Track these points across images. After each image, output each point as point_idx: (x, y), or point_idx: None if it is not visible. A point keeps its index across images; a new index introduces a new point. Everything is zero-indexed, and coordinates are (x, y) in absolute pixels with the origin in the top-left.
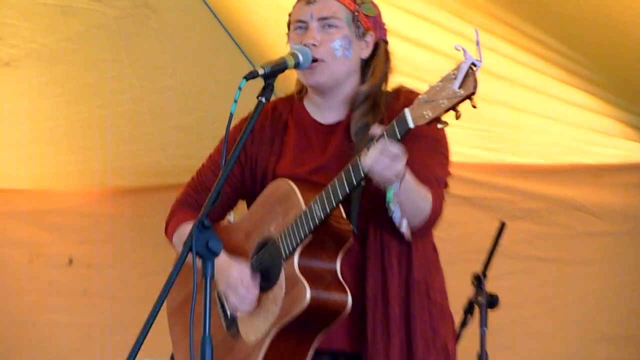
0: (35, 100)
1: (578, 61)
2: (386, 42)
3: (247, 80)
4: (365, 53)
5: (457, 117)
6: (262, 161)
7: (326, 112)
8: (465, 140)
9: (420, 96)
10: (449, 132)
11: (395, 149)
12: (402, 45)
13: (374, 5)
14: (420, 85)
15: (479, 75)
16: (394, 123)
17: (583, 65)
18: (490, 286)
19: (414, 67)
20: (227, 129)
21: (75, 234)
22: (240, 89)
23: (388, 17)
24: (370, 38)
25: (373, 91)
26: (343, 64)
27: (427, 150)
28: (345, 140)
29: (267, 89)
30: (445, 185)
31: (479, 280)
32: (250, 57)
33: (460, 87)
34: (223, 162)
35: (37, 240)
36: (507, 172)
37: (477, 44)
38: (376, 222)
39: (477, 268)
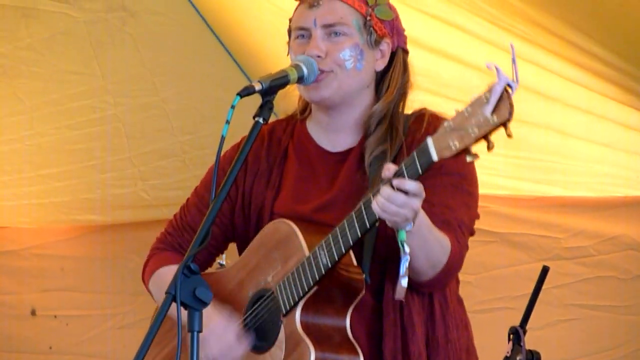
0: None
1: (635, 77)
2: (406, 52)
3: (241, 97)
4: (381, 64)
5: (489, 149)
6: (258, 197)
7: (333, 135)
8: (502, 170)
9: (445, 123)
10: (480, 160)
11: (413, 186)
12: (426, 57)
13: (391, 8)
14: (447, 105)
15: (518, 93)
16: (414, 155)
17: None
18: (530, 340)
19: (440, 84)
20: (217, 156)
21: (38, 280)
22: (233, 107)
23: (409, 24)
24: (385, 46)
25: (390, 111)
26: (354, 78)
27: (450, 189)
28: (357, 170)
29: (265, 108)
30: (471, 233)
31: (517, 336)
32: (246, 70)
33: (493, 112)
34: (212, 196)
35: None
36: (550, 206)
37: (513, 61)
38: (394, 271)
39: (514, 318)
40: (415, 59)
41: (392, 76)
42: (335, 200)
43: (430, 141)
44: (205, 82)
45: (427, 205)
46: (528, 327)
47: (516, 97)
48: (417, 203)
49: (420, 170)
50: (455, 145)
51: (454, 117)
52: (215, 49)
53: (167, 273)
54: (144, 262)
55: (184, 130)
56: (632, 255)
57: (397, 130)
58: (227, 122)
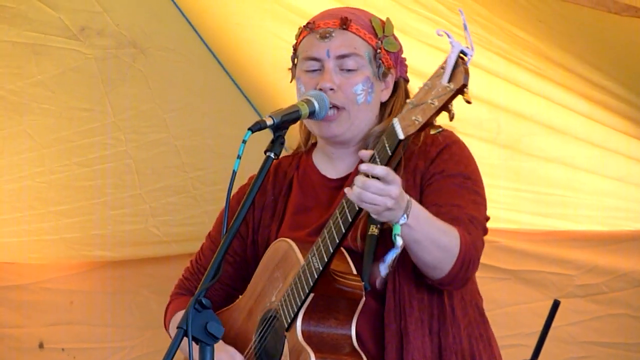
0: (0, 157)
1: None
2: (407, 80)
3: (253, 132)
4: (386, 95)
5: (451, 118)
6: (264, 230)
7: (338, 162)
8: (512, 204)
9: (408, 101)
10: (492, 194)
11: (381, 171)
12: None
13: (396, 39)
14: (462, 138)
15: (528, 125)
16: (383, 138)
17: None
18: None
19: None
20: (229, 190)
21: (46, 314)
22: (244, 142)
23: (419, 58)
24: (390, 78)
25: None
26: (365, 112)
27: (455, 188)
28: None
29: (277, 143)
30: (484, 230)
31: None
32: (256, 105)
33: (449, 81)
34: (224, 232)
35: (2, 321)
36: (561, 241)
37: (465, 27)
38: (394, 275)
39: (527, 355)
40: None
41: (394, 103)
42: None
43: (395, 121)
44: (216, 118)
45: (435, 208)
46: None
47: (526, 131)
48: (393, 190)
49: (389, 152)
50: (418, 119)
51: (416, 94)
52: (226, 85)
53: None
54: (165, 309)
55: (194, 167)
56: None
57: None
58: (239, 157)
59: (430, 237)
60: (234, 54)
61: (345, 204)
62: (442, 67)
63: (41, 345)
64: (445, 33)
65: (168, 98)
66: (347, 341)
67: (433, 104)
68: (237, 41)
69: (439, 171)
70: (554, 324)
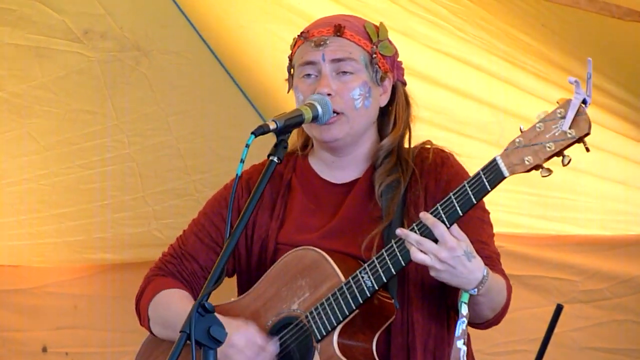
0: (3, 160)
1: None
2: (404, 84)
3: (256, 137)
4: (384, 100)
5: (565, 164)
6: (261, 228)
7: (337, 171)
8: (515, 207)
9: (516, 139)
10: (493, 197)
11: (455, 243)
12: (442, 94)
13: (391, 43)
14: (461, 142)
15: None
16: (481, 174)
17: None
18: None
19: (455, 121)
20: (232, 195)
21: (50, 318)
22: (247, 146)
23: (425, 63)
24: (387, 82)
25: (396, 144)
26: (363, 116)
27: (478, 223)
28: (364, 201)
29: (280, 147)
30: None
31: None
32: (260, 109)
33: (570, 127)
34: (226, 236)
35: (5, 325)
36: (565, 246)
37: (589, 76)
38: (404, 289)
39: None
40: (431, 97)
41: (396, 110)
42: (340, 227)
43: (499, 159)
44: (219, 121)
45: None
46: None
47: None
48: (472, 261)
49: (488, 187)
50: (529, 160)
51: (524, 134)
52: (229, 88)
53: (174, 296)
54: (141, 287)
55: (197, 170)
56: None
57: (407, 162)
58: (242, 161)
59: (492, 301)
60: (237, 56)
61: (417, 229)
62: (560, 113)
63: (44, 350)
64: (576, 81)
65: (171, 101)
66: (368, 355)
67: (550, 147)
68: (240, 44)
69: None
70: (556, 330)
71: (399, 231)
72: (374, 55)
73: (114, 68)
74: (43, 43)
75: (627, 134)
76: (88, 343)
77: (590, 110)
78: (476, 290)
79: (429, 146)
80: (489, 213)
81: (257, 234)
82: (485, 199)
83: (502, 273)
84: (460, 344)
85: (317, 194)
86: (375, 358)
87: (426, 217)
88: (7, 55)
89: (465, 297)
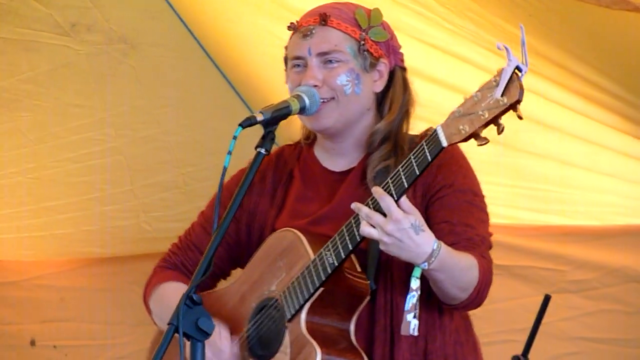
0: None
1: (637, 105)
2: (404, 69)
3: (243, 128)
4: (380, 85)
5: (500, 132)
6: (261, 215)
7: (338, 157)
8: (505, 200)
9: (455, 109)
10: (484, 189)
11: (401, 215)
12: (428, 87)
13: (385, 28)
14: None
15: (519, 122)
16: (424, 144)
17: None
18: None
19: (442, 114)
20: (219, 186)
21: (38, 311)
22: (235, 138)
23: (411, 54)
24: (383, 67)
25: (393, 129)
26: (354, 103)
27: (466, 206)
28: (358, 187)
29: (267, 139)
30: (490, 247)
31: None
32: (248, 101)
33: (502, 94)
34: (215, 225)
35: None
36: (553, 236)
37: (523, 43)
38: (387, 273)
39: (517, 350)
40: (417, 89)
41: (392, 95)
42: (332, 214)
43: (439, 128)
44: (207, 113)
45: (448, 226)
46: (532, 359)
47: (519, 127)
48: (420, 234)
49: (429, 157)
50: (465, 129)
51: (463, 103)
52: (217, 81)
53: (168, 290)
54: (147, 280)
55: (185, 162)
56: (636, 288)
57: (402, 149)
58: (229, 152)
59: (453, 278)
60: (225, 49)
61: (371, 203)
62: (495, 80)
63: (33, 343)
64: (505, 47)
65: (159, 94)
66: (346, 336)
67: (483, 115)
68: (229, 37)
69: (449, 184)
70: (545, 320)
71: (353, 205)
72: (363, 42)
73: (102, 61)
74: (31, 37)
75: (615, 127)
76: (76, 336)
77: (577, 102)
78: (426, 264)
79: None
80: (482, 197)
81: (258, 222)
82: None
83: (479, 255)
84: (410, 317)
85: (316, 181)
86: (352, 339)
87: (376, 190)
88: None
89: (416, 272)
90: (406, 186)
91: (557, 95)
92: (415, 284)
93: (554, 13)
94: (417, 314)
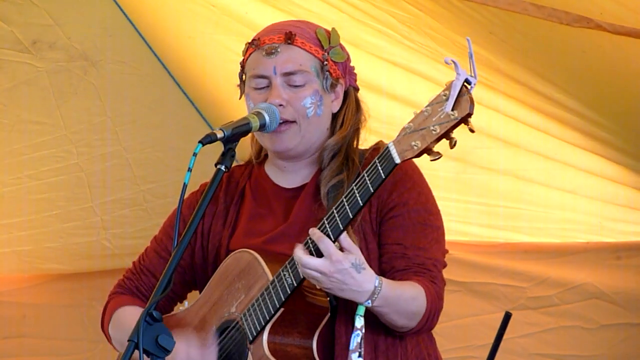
0: None
1: (597, 123)
2: (356, 89)
3: (203, 145)
4: (337, 106)
5: (452, 146)
6: (215, 237)
7: (290, 175)
8: (463, 216)
9: (406, 125)
10: (442, 206)
11: (341, 256)
12: (389, 104)
13: (343, 49)
14: None
15: (480, 139)
16: (376, 162)
17: (603, 128)
18: None
19: None
20: (179, 203)
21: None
22: (195, 155)
23: (372, 72)
24: (339, 88)
25: (344, 145)
26: (316, 124)
27: (419, 227)
28: (312, 204)
29: (227, 155)
30: (444, 266)
31: None
32: (208, 119)
33: (453, 108)
34: (175, 244)
35: None
36: (512, 253)
37: (470, 56)
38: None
39: None
40: (377, 106)
41: (345, 114)
42: (287, 232)
43: (391, 145)
44: (168, 131)
45: (401, 248)
46: None
47: (478, 144)
48: (361, 278)
49: (383, 175)
50: (417, 145)
51: (414, 119)
52: (178, 98)
53: (125, 314)
54: (103, 308)
55: (146, 179)
56: (596, 304)
57: (354, 161)
58: (189, 169)
59: (398, 310)
60: (185, 67)
61: (327, 224)
62: (445, 94)
63: None
64: (453, 61)
65: (120, 111)
66: (309, 354)
67: (434, 130)
68: (189, 54)
69: (402, 202)
70: (505, 336)
71: (296, 249)
72: (325, 63)
73: (63, 78)
74: None
75: (575, 143)
76: (36, 352)
77: (537, 119)
78: (369, 301)
79: (381, 145)
80: (436, 215)
81: (212, 243)
82: None
83: (429, 281)
84: (355, 357)
85: (268, 199)
86: (314, 356)
87: (313, 232)
88: None
89: (360, 310)
90: (351, 216)
91: (517, 112)
92: (359, 322)
93: (515, 30)
94: (362, 353)
